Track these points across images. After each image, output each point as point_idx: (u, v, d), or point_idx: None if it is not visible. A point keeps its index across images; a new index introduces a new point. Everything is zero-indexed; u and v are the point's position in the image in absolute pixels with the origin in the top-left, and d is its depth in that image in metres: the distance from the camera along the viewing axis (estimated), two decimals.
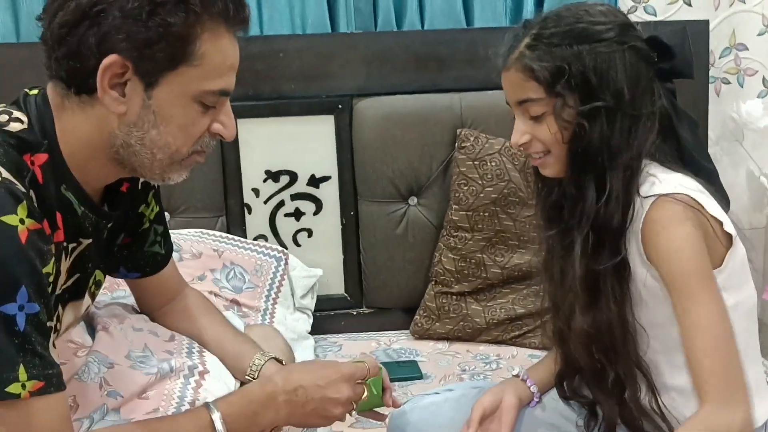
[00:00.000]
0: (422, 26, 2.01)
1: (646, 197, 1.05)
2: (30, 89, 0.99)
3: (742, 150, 2.18)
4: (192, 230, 1.83)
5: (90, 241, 1.04)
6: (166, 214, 1.89)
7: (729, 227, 1.07)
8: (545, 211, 1.22)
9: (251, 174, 1.93)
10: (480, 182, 1.84)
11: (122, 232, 1.17)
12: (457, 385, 1.51)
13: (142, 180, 1.16)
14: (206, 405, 1.05)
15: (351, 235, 1.97)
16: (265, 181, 1.94)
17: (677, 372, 1.12)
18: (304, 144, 1.93)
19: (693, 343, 1.04)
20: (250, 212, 1.95)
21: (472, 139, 1.86)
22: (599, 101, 1.05)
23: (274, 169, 1.94)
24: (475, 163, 1.84)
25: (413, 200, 1.95)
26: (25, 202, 0.88)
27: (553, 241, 1.21)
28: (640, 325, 1.10)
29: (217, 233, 1.85)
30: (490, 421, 1.26)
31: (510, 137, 1.70)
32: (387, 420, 1.32)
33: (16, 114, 0.95)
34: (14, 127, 0.94)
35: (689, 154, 1.13)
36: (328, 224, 1.97)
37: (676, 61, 1.10)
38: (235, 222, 1.94)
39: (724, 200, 1.12)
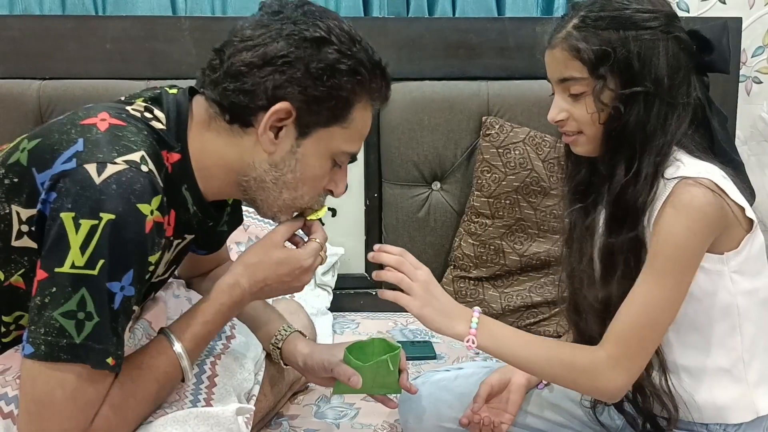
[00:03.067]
0: (453, 13, 2.03)
1: (670, 179, 1.08)
2: (170, 88, 1.08)
3: None
4: None
5: (192, 237, 1.12)
6: None
7: (750, 213, 1.10)
8: (571, 188, 1.25)
9: None
10: (503, 170, 1.86)
11: (220, 227, 1.23)
12: (468, 363, 1.53)
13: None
14: (167, 337, 1.06)
15: (374, 217, 2.01)
16: None
17: (688, 351, 1.15)
18: None
19: (631, 304, 1.08)
20: None
21: (497, 127, 1.88)
22: (639, 86, 1.09)
23: None
24: (499, 150, 1.87)
25: (436, 185, 1.98)
26: (160, 195, 0.96)
27: (576, 218, 1.24)
28: None
29: (245, 208, 1.89)
30: (497, 400, 1.30)
31: (535, 127, 1.74)
32: (399, 395, 1.35)
33: (157, 112, 1.04)
34: (155, 125, 1.03)
35: (720, 146, 1.15)
36: (352, 205, 2.01)
37: (714, 55, 1.13)
38: None
39: (748, 191, 1.14)
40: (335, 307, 1.94)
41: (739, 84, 2.04)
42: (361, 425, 1.41)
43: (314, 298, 1.86)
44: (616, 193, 1.11)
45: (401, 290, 1.17)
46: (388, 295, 1.15)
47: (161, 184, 0.97)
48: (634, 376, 1.09)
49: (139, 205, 0.92)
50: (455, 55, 1.94)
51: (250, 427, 1.09)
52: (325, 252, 1.17)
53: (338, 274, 1.97)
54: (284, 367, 1.32)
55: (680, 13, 2.05)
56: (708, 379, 1.14)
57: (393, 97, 1.86)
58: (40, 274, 0.92)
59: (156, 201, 0.95)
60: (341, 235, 2.00)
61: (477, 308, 1.17)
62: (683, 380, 1.15)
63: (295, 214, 1.12)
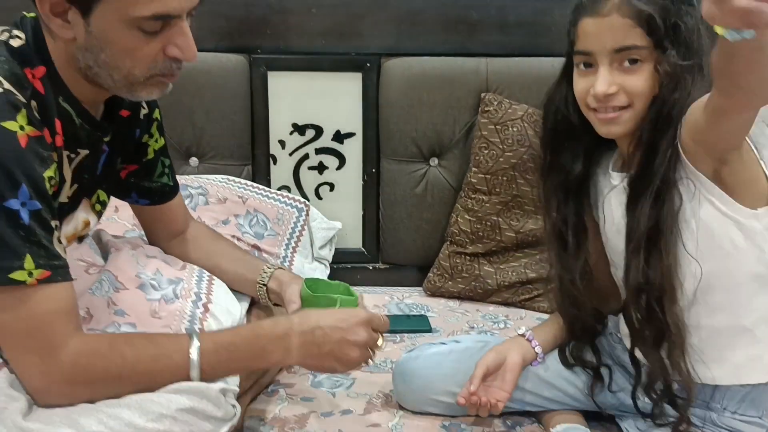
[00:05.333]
0: None
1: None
2: (28, 13, 1.05)
3: None
4: (218, 176, 1.89)
5: (87, 152, 1.10)
6: (195, 159, 1.97)
7: None
8: (562, 183, 1.25)
9: (278, 126, 1.98)
10: (501, 147, 1.87)
11: (121, 155, 1.23)
12: (463, 337, 1.56)
13: (143, 111, 1.23)
14: (189, 333, 1.08)
15: (371, 192, 2.02)
16: (291, 133, 1.99)
17: (714, 312, 1.14)
18: (331, 100, 1.97)
19: None
20: (275, 163, 2.01)
21: (495, 103, 1.89)
22: (696, 59, 1.08)
23: (300, 123, 1.98)
24: (497, 127, 1.87)
25: (434, 161, 1.99)
26: (24, 110, 0.95)
27: (569, 214, 1.24)
28: (694, 259, 1.10)
29: (243, 181, 1.90)
30: (493, 378, 1.31)
31: (533, 105, 1.72)
32: (393, 364, 1.38)
33: (15, 32, 1.03)
34: (15, 42, 1.01)
35: None
36: (350, 179, 2.02)
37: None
38: (260, 171, 1.99)
39: None
40: (333, 280, 1.96)
41: None
42: (357, 394, 1.44)
43: (311, 272, 1.87)
44: (662, 169, 1.08)
45: None
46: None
47: (23, 100, 0.96)
48: None
49: (3, 124, 0.92)
50: (455, 30, 1.94)
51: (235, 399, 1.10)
52: (382, 343, 1.18)
53: (336, 249, 1.98)
54: (274, 308, 1.34)
55: None
56: (729, 338, 1.14)
57: (392, 72, 1.95)
58: None
59: (21, 117, 0.94)
60: (339, 210, 2.02)
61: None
62: (704, 339, 1.15)
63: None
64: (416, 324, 1.76)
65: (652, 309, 1.13)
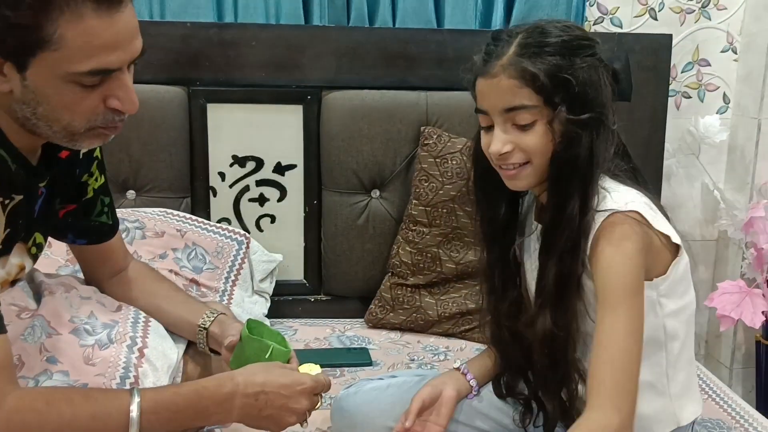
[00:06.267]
0: (394, 24, 2.05)
1: (599, 211, 1.08)
2: None
3: (698, 164, 2.24)
4: (156, 209, 1.87)
5: (21, 197, 1.07)
6: (132, 192, 1.94)
7: (676, 239, 1.12)
8: (490, 226, 1.25)
9: (218, 158, 1.97)
10: (440, 179, 1.89)
11: (60, 197, 1.20)
12: (401, 372, 1.56)
13: (83, 151, 1.21)
14: (131, 389, 1.06)
15: (313, 223, 2.02)
16: (231, 165, 1.98)
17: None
18: (271, 132, 1.97)
19: (599, 350, 1.06)
20: (215, 195, 1.99)
21: (435, 137, 1.91)
22: (592, 113, 1.08)
23: (241, 155, 1.97)
24: (437, 160, 1.89)
25: (375, 193, 1.99)
26: None
27: (496, 256, 1.25)
28: (584, 332, 1.14)
29: (181, 214, 1.88)
30: (429, 412, 1.31)
31: (472, 138, 1.75)
32: (331, 402, 1.37)
33: None
34: None
35: (636, 168, 1.18)
36: (292, 211, 2.01)
37: (621, 84, 1.14)
38: (199, 204, 1.97)
39: (663, 213, 1.17)
40: (273, 313, 1.95)
41: (669, 98, 2.11)
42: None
43: (252, 305, 1.86)
44: (572, 224, 1.09)
45: None
46: None
47: None
48: (632, 411, 1.05)
49: None
50: (395, 65, 1.96)
51: None
52: (322, 399, 1.18)
53: (276, 281, 1.97)
54: (209, 353, 1.31)
55: (613, 29, 2.13)
56: None
57: (332, 104, 1.96)
58: None
59: None
60: (280, 242, 2.00)
61: None
62: None
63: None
64: (357, 357, 1.75)
65: (554, 356, 1.15)
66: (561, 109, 1.07)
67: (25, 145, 1.06)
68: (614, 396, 1.04)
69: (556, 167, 1.10)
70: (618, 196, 1.10)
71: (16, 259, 1.14)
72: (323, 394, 1.19)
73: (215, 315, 1.31)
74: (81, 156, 1.22)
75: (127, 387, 1.14)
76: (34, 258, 1.20)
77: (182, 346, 1.34)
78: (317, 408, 1.17)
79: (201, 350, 1.32)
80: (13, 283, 1.20)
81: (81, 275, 1.39)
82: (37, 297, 1.27)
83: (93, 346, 1.18)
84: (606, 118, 1.10)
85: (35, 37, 0.92)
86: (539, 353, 1.17)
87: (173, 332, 1.34)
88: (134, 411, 1.02)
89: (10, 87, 0.97)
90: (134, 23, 0.99)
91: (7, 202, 1.05)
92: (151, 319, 1.31)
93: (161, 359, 1.23)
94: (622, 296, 1.06)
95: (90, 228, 1.29)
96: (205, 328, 1.29)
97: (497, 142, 1.10)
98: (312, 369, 1.18)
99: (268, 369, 1.14)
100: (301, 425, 1.17)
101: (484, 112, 1.13)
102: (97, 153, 1.26)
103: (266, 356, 1.19)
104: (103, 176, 1.29)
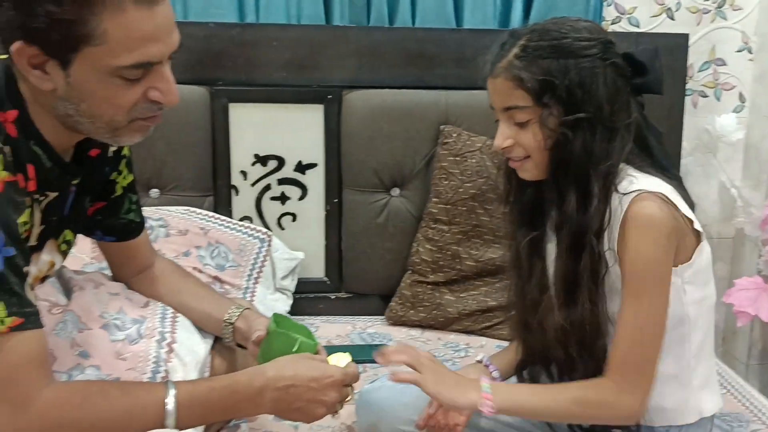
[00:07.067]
0: (413, 24, 2.07)
1: (626, 194, 1.12)
2: (2, 54, 1.04)
3: (715, 162, 2.25)
4: (180, 208, 1.89)
5: (56, 194, 1.09)
6: (155, 190, 1.96)
7: (698, 225, 1.15)
8: (517, 211, 1.28)
9: (240, 157, 1.99)
10: (460, 177, 1.91)
11: (89, 195, 1.22)
12: None
13: (112, 148, 1.23)
14: (165, 382, 1.08)
15: (334, 222, 2.04)
16: (253, 164, 2.00)
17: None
18: (293, 131, 1.99)
19: (621, 329, 1.12)
20: (237, 194, 2.01)
21: (454, 135, 1.93)
22: (582, 113, 1.11)
23: (262, 154, 2.00)
24: (457, 158, 1.91)
25: (395, 191, 2.01)
26: (0, 155, 0.95)
27: (523, 240, 1.28)
28: (611, 320, 1.16)
29: (204, 212, 1.90)
30: None
31: (492, 136, 1.77)
32: (356, 396, 1.39)
33: None
34: None
35: (658, 161, 1.21)
36: (313, 210, 2.03)
37: (647, 77, 1.17)
38: (222, 202, 2.00)
39: (689, 204, 1.19)
40: (295, 311, 1.96)
41: (686, 97, 2.12)
42: (320, 426, 1.44)
43: (274, 302, 1.88)
44: (573, 218, 1.13)
45: None
46: (403, 376, 1.19)
47: None
48: (644, 395, 1.11)
49: None
50: (414, 64, 1.98)
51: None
52: (353, 390, 1.19)
53: (298, 279, 1.99)
54: (237, 349, 1.33)
55: (631, 29, 2.15)
56: (657, 386, 1.18)
57: (353, 104, 1.98)
58: None
59: None
60: (301, 240, 2.03)
61: (484, 376, 1.21)
62: None
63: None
64: None
65: (580, 346, 1.17)
66: (551, 109, 1.12)
67: (61, 143, 1.08)
68: (632, 374, 1.10)
69: (552, 165, 1.16)
70: (644, 181, 1.13)
71: (47, 256, 1.16)
72: (353, 386, 1.20)
73: (240, 310, 1.33)
74: (110, 154, 1.24)
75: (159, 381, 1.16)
76: (64, 255, 1.22)
77: (209, 341, 1.36)
78: (348, 401, 1.19)
79: (227, 345, 1.34)
80: (43, 279, 1.22)
81: (106, 272, 1.41)
82: (67, 292, 1.29)
83: (123, 341, 1.20)
84: (606, 117, 1.12)
85: (79, 32, 0.93)
86: (557, 344, 1.19)
87: (199, 328, 1.36)
88: (170, 403, 1.03)
89: (53, 85, 0.98)
90: (172, 15, 1.01)
91: (41, 198, 1.07)
92: (179, 314, 1.33)
93: (189, 354, 1.25)
94: (650, 283, 1.10)
95: (118, 225, 1.31)
96: (231, 323, 1.31)
97: (499, 137, 1.19)
98: (342, 359, 1.20)
99: (297, 362, 1.15)
100: (333, 416, 1.19)
101: (492, 108, 1.21)
102: (125, 151, 1.28)
103: (293, 350, 1.20)
104: (131, 174, 1.31)
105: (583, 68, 1.11)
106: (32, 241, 1.07)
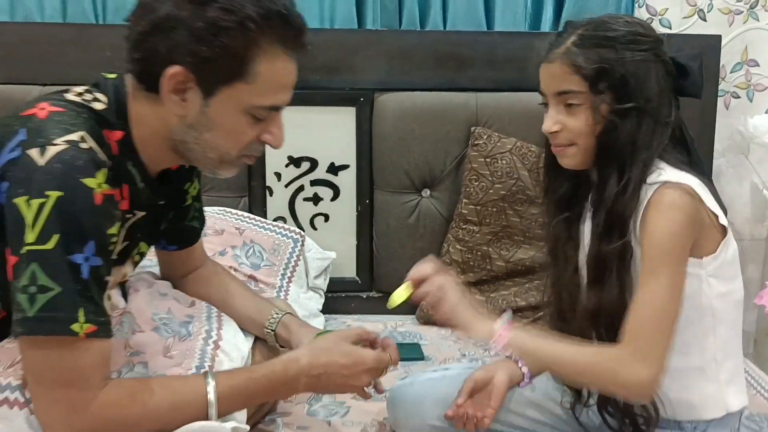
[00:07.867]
0: (444, 27, 2.09)
1: (651, 184, 1.15)
2: (108, 74, 1.11)
3: (747, 163, 2.24)
4: (216, 208, 1.93)
5: (144, 214, 1.15)
6: None
7: (723, 221, 1.17)
8: (554, 201, 1.31)
9: (274, 159, 2.03)
10: (490, 179, 1.93)
11: (172, 209, 1.28)
12: (455, 365, 1.59)
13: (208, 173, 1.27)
14: (204, 373, 1.12)
15: (365, 222, 2.07)
16: (287, 166, 2.04)
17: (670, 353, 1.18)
18: (325, 133, 2.03)
19: (637, 304, 1.13)
20: (271, 195, 2.05)
21: (485, 137, 1.95)
22: (634, 102, 1.15)
23: (296, 155, 2.03)
24: (487, 160, 1.93)
25: (426, 192, 2.04)
26: (105, 169, 1.00)
27: (560, 229, 1.30)
28: None
29: (240, 212, 1.95)
30: (481, 395, 1.34)
31: (522, 138, 1.80)
32: (387, 392, 1.41)
33: (98, 95, 1.08)
34: (97, 106, 1.06)
35: (692, 160, 1.22)
36: (344, 210, 2.07)
37: (688, 80, 1.20)
38: (256, 203, 2.04)
39: (720, 205, 1.21)
40: (327, 309, 1.99)
41: (718, 98, 2.12)
42: (352, 422, 1.47)
43: (306, 301, 1.91)
44: (609, 202, 1.16)
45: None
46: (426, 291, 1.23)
47: (105, 159, 1.01)
48: (655, 370, 1.11)
49: (83, 180, 0.97)
50: (445, 66, 2.01)
51: None
52: (387, 370, 1.25)
53: (330, 278, 2.02)
54: (281, 349, 1.37)
55: (662, 30, 2.14)
56: (683, 379, 1.20)
57: (384, 106, 2.00)
58: (12, 260, 0.97)
59: (101, 175, 0.99)
60: (334, 240, 2.06)
61: (504, 315, 1.21)
62: (663, 381, 1.18)
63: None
64: (409, 352, 1.79)
65: (601, 333, 1.19)
66: (604, 96, 1.15)
67: (155, 165, 1.13)
68: (644, 346, 1.10)
69: (599, 149, 1.19)
70: (672, 173, 1.15)
71: (125, 268, 1.22)
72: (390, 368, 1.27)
73: (280, 315, 1.37)
74: (187, 166, 1.27)
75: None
76: (135, 265, 1.27)
77: (251, 339, 1.40)
78: (383, 375, 1.26)
79: (271, 345, 1.38)
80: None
81: (153, 269, 1.45)
82: (124, 294, 1.34)
83: (173, 339, 1.24)
84: (652, 110, 1.15)
85: (241, 68, 1.02)
86: (590, 327, 1.20)
87: (242, 328, 1.40)
88: (211, 393, 1.07)
89: (185, 112, 1.05)
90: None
91: (129, 217, 1.13)
92: (223, 313, 1.37)
93: (235, 351, 1.28)
94: (665, 261, 1.12)
95: (182, 232, 1.34)
96: (272, 330, 1.36)
97: (548, 121, 1.21)
98: (407, 290, 1.23)
99: (332, 349, 1.21)
100: (366, 399, 1.27)
101: (543, 93, 1.23)
102: None
103: None
104: (199, 183, 1.36)
105: (638, 61, 1.15)
106: (113, 255, 1.11)
